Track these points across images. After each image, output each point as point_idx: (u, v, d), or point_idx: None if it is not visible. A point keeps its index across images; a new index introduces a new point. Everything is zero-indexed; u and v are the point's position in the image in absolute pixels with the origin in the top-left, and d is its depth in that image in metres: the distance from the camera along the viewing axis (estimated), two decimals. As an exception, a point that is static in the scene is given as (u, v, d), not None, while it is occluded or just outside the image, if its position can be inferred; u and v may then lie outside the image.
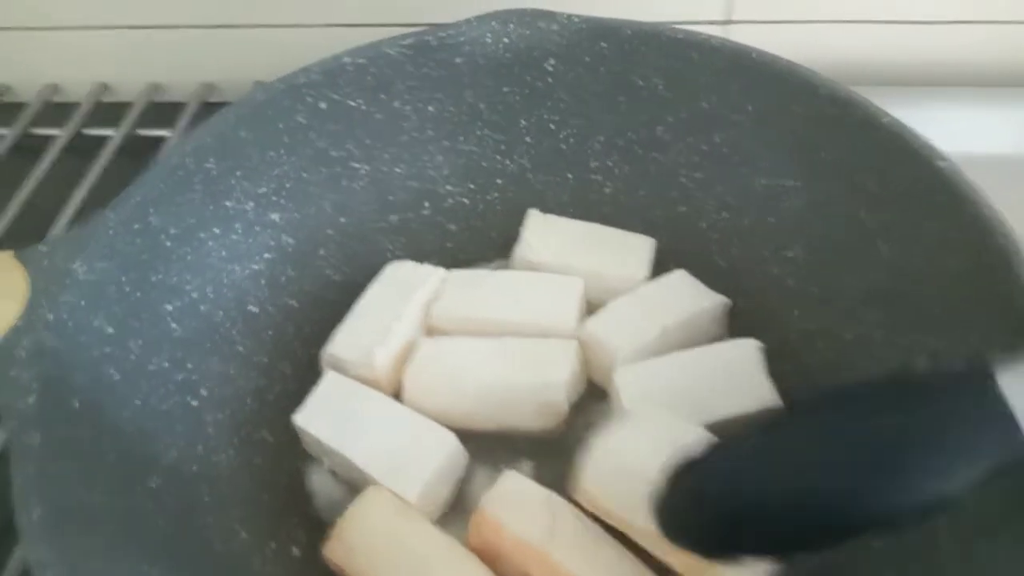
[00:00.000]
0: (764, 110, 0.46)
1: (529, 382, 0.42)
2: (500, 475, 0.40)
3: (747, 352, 0.42)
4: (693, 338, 0.45)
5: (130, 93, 0.71)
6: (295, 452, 0.44)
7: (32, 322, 0.36)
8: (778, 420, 0.33)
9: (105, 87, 0.72)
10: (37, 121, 0.69)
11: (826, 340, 0.44)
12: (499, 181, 0.52)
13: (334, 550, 0.38)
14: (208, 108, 0.69)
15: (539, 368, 0.42)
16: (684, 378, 0.41)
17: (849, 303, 0.43)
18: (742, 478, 0.29)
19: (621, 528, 0.38)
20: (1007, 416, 0.24)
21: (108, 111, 0.69)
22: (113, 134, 0.67)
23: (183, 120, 0.67)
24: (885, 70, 0.64)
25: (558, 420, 0.43)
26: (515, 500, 0.38)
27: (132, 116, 0.68)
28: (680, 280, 0.46)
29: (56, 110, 0.70)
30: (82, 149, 0.66)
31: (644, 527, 0.35)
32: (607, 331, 0.44)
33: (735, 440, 0.33)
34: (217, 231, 0.45)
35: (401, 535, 0.37)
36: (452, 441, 0.41)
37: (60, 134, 0.67)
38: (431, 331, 0.46)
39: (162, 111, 0.69)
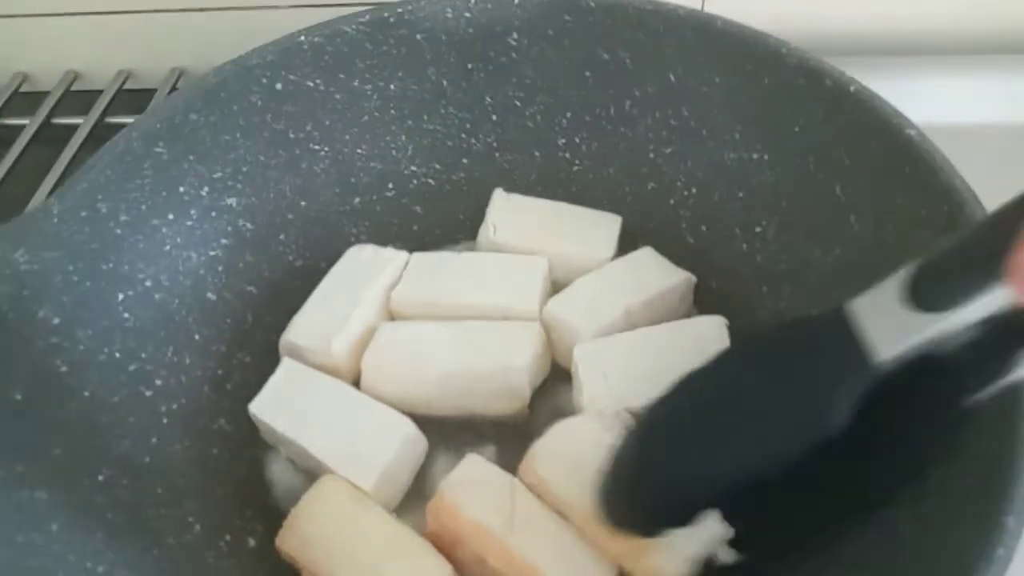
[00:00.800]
0: (732, 81, 0.45)
1: (490, 366, 0.41)
2: (461, 460, 0.39)
3: (712, 328, 0.41)
4: (659, 316, 0.44)
5: (100, 81, 0.70)
6: (254, 442, 0.43)
7: (-30, 314, 0.35)
8: (675, 386, 0.33)
9: (75, 75, 0.71)
10: (6, 111, 0.68)
11: (794, 317, 0.42)
12: (465, 161, 0.51)
13: (287, 541, 0.38)
14: (180, 94, 0.68)
15: (500, 352, 0.41)
16: (645, 354, 0.40)
17: (819, 279, 0.42)
18: (650, 458, 0.31)
19: (567, 514, 0.37)
20: (858, 340, 0.26)
21: (78, 99, 0.68)
22: (83, 122, 0.66)
23: (152, 105, 0.66)
24: (861, 40, 0.62)
25: (521, 404, 0.42)
26: (475, 485, 0.37)
27: (102, 104, 0.67)
28: (646, 258, 0.45)
29: (25, 99, 0.69)
30: (51, 138, 0.65)
31: (586, 513, 0.35)
32: (569, 311, 0.43)
33: (641, 420, 0.34)
34: (171, 217, 0.44)
35: (356, 525, 0.37)
36: (409, 428, 0.40)
37: (29, 123, 0.66)
38: (393, 316, 0.45)
39: (133, 98, 0.68)
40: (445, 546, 0.37)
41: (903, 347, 0.26)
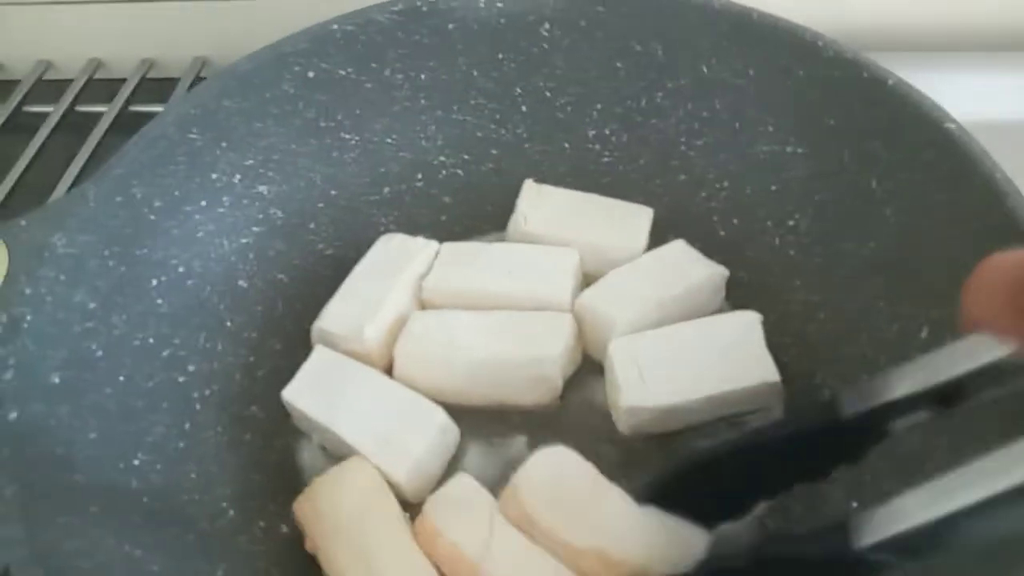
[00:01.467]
0: (767, 74, 0.45)
1: (522, 356, 0.41)
2: (454, 476, 0.38)
3: (746, 324, 0.41)
4: (692, 309, 0.43)
5: (123, 69, 0.70)
6: (286, 428, 0.43)
7: (9, 296, 0.35)
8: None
9: (99, 63, 0.71)
10: (30, 98, 0.68)
11: (828, 311, 0.42)
12: (494, 151, 0.51)
13: (302, 507, 0.38)
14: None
15: (532, 342, 0.41)
16: (681, 351, 0.40)
17: (852, 273, 0.42)
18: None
19: (555, 549, 0.36)
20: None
21: (101, 87, 0.69)
22: (106, 110, 0.66)
23: (177, 95, 0.66)
24: (895, 34, 0.62)
25: (552, 395, 0.42)
26: (458, 506, 0.37)
27: (125, 92, 0.67)
28: (679, 251, 0.45)
29: (49, 87, 0.69)
30: (75, 126, 0.65)
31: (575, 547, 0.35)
32: (603, 303, 0.43)
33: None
34: (203, 204, 0.44)
35: (366, 513, 0.37)
36: (442, 417, 0.40)
37: (53, 111, 0.66)
38: (423, 305, 0.45)
39: (156, 87, 0.68)
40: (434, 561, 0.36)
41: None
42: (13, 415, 0.32)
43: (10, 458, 0.31)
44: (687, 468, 0.35)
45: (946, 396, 0.27)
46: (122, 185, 0.41)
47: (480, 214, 0.51)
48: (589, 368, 0.44)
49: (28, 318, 0.35)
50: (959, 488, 0.24)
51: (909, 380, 0.27)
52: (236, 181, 0.45)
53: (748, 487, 0.32)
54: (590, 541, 0.35)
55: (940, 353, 0.27)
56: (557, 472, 0.37)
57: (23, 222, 0.38)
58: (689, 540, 0.34)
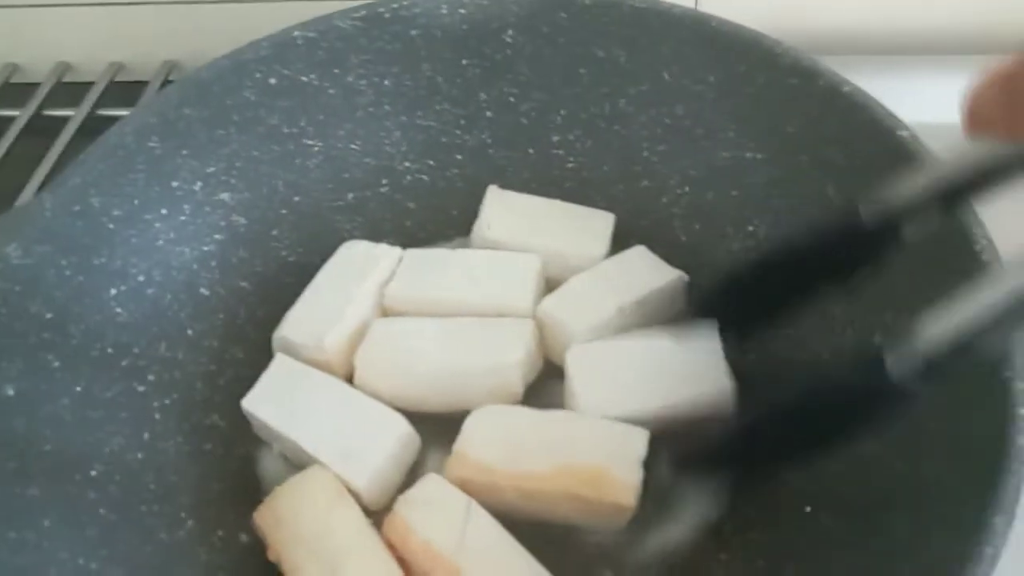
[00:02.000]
0: (727, 81, 0.45)
1: (483, 364, 0.41)
2: (423, 477, 0.39)
3: (705, 334, 0.41)
4: (652, 315, 0.44)
5: (92, 72, 0.69)
6: (247, 437, 0.43)
7: (-38, 309, 0.35)
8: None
9: (67, 66, 0.70)
10: (-2, 102, 0.68)
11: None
12: (459, 157, 0.51)
13: (263, 516, 0.38)
14: (172, 86, 0.68)
15: (493, 349, 0.41)
16: (638, 359, 0.40)
17: (811, 279, 0.42)
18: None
19: (520, 485, 0.37)
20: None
21: (69, 91, 0.68)
22: (74, 114, 0.65)
23: (145, 99, 0.66)
24: (859, 39, 0.62)
25: (514, 401, 0.42)
26: (430, 505, 0.37)
27: (93, 96, 0.67)
28: (639, 256, 0.45)
29: (15, 90, 0.68)
30: (42, 129, 0.65)
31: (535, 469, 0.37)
32: (563, 310, 0.43)
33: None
34: (164, 212, 0.44)
35: (329, 521, 0.37)
36: (403, 426, 0.40)
37: (20, 115, 0.66)
38: (386, 312, 0.45)
39: (124, 90, 0.68)
40: (402, 560, 0.37)
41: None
42: (-36, 430, 0.32)
43: (-40, 473, 0.31)
44: (726, 281, 0.40)
45: (951, 197, 0.30)
46: (79, 194, 0.40)
47: (445, 219, 0.51)
48: (551, 373, 0.44)
49: (-19, 330, 0.35)
50: (983, 302, 0.26)
51: (919, 183, 0.31)
52: (197, 189, 0.45)
53: (781, 295, 0.37)
54: (552, 460, 0.37)
55: (945, 159, 0.30)
56: (495, 421, 0.40)
57: (-23, 232, 0.38)
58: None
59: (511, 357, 0.41)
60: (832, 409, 0.30)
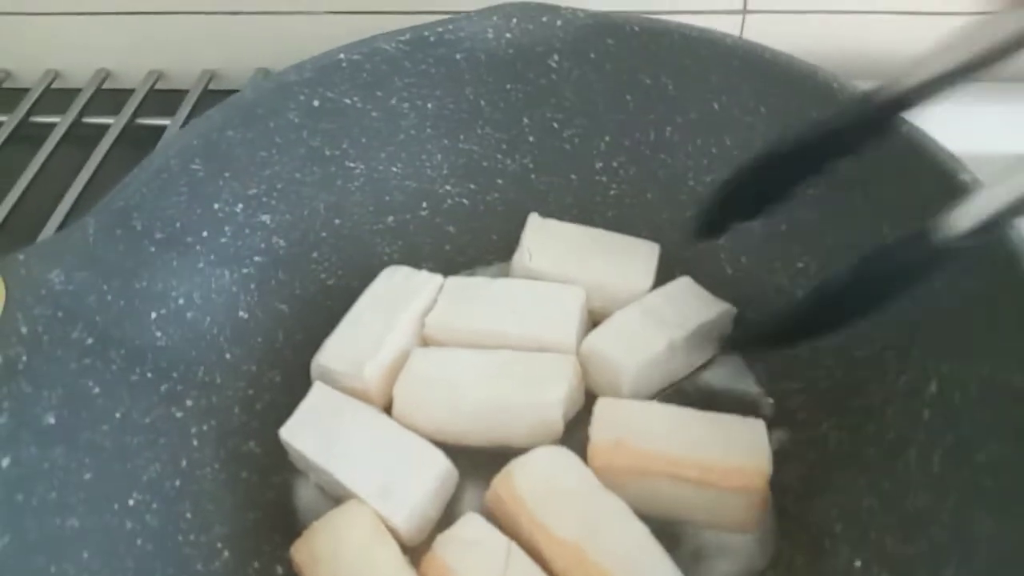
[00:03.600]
0: (779, 113, 0.44)
1: (524, 400, 0.40)
2: (463, 516, 0.38)
3: (750, 431, 0.39)
4: (699, 348, 0.43)
5: (132, 80, 0.69)
6: (283, 465, 0.43)
7: (6, 336, 0.35)
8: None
9: (107, 74, 0.70)
10: (37, 108, 0.68)
11: (835, 357, 0.42)
12: (500, 181, 0.51)
13: (300, 552, 0.38)
14: (210, 96, 0.68)
15: (535, 385, 0.41)
16: (669, 431, 0.39)
17: (861, 321, 0.41)
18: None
19: (537, 536, 0.37)
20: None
21: (109, 98, 0.68)
22: (113, 122, 0.65)
23: (185, 108, 0.66)
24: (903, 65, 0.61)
25: (553, 438, 0.41)
26: (470, 545, 0.37)
27: (133, 104, 0.67)
28: (686, 288, 0.44)
29: (57, 97, 0.69)
30: (82, 137, 0.65)
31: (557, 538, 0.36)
32: (612, 345, 0.42)
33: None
34: (205, 235, 0.44)
35: (368, 560, 0.36)
36: (443, 462, 0.39)
37: (60, 121, 0.66)
38: (426, 341, 0.45)
39: (164, 99, 0.68)
40: None
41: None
42: (6, 461, 0.32)
43: (2, 506, 0.31)
44: (741, 172, 0.40)
45: (972, 69, 0.31)
46: (123, 218, 0.40)
47: (485, 244, 0.51)
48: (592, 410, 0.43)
49: (24, 359, 0.35)
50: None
51: (941, 60, 0.32)
52: (239, 211, 0.45)
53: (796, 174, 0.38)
54: (572, 534, 0.36)
55: (964, 31, 0.31)
56: (556, 466, 0.39)
57: (21, 256, 0.38)
58: None
59: (552, 395, 0.40)
60: (882, 276, 0.34)
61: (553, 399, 0.40)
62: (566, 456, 0.39)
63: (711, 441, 0.38)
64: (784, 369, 0.42)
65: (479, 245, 0.51)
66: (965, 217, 0.31)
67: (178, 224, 0.42)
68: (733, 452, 0.38)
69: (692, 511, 0.39)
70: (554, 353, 0.42)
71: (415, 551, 0.38)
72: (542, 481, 0.38)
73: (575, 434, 0.42)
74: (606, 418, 0.40)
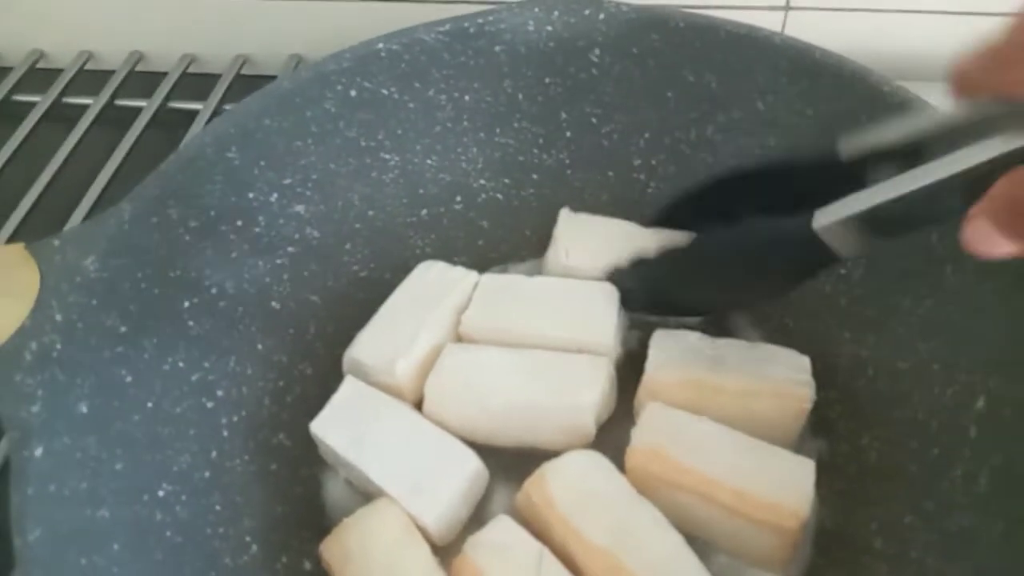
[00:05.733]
0: (826, 115, 0.43)
1: (556, 403, 0.40)
2: (494, 519, 0.38)
3: (800, 464, 0.38)
4: (736, 349, 0.42)
5: (165, 64, 0.69)
6: (312, 459, 0.42)
7: (40, 323, 0.35)
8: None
9: (140, 56, 0.70)
10: (70, 89, 0.68)
11: (877, 368, 0.41)
12: (536, 176, 0.50)
13: (330, 549, 0.37)
14: (242, 80, 0.67)
15: (567, 387, 0.40)
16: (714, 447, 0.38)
17: (906, 330, 0.40)
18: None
19: (569, 540, 0.36)
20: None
21: (142, 81, 0.68)
22: (146, 105, 0.65)
23: (217, 93, 0.66)
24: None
25: (585, 441, 0.41)
26: (501, 549, 0.36)
27: (165, 88, 0.67)
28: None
29: (90, 78, 0.69)
30: (114, 119, 0.65)
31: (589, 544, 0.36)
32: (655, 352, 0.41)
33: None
34: (239, 224, 0.43)
35: (398, 559, 0.36)
36: (474, 462, 0.39)
37: (93, 103, 0.66)
38: (459, 338, 0.44)
39: (196, 83, 0.68)
40: None
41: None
42: (39, 451, 0.32)
43: (34, 497, 0.31)
44: (699, 188, 0.43)
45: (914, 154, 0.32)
46: (158, 205, 0.40)
47: (519, 240, 0.50)
48: (625, 412, 0.43)
49: (58, 346, 0.35)
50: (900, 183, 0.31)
51: (897, 132, 0.34)
52: (273, 200, 0.44)
53: (751, 203, 0.38)
54: (605, 541, 0.35)
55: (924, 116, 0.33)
56: (589, 470, 0.38)
57: (56, 242, 0.38)
58: None
59: (585, 398, 0.40)
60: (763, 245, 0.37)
61: (585, 403, 0.39)
62: (599, 461, 0.38)
63: (753, 470, 0.37)
64: (824, 377, 0.40)
65: (513, 241, 0.50)
66: (832, 212, 0.33)
67: (212, 212, 0.42)
68: (773, 486, 0.36)
69: (720, 537, 0.38)
70: (589, 355, 0.41)
71: (444, 551, 0.38)
72: (575, 485, 0.37)
73: (606, 437, 0.42)
74: (653, 423, 0.39)
